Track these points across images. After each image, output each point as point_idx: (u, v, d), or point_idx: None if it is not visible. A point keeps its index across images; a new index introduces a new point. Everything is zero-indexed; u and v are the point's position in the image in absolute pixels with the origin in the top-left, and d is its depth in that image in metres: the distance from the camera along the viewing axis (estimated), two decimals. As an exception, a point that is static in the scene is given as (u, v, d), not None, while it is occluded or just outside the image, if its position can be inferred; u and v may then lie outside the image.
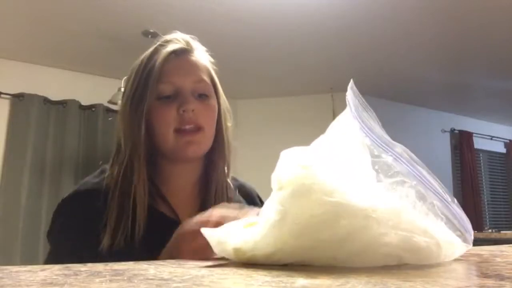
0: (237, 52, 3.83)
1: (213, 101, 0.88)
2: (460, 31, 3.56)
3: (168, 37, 0.90)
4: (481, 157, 6.19)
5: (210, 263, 0.45)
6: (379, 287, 0.28)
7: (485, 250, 0.55)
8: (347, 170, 0.44)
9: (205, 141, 0.86)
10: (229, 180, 0.93)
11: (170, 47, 0.86)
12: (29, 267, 0.39)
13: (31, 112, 3.82)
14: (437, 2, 3.09)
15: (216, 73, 0.93)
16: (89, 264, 0.42)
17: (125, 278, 0.33)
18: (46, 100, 3.93)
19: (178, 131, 0.83)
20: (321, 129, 0.48)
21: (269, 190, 0.45)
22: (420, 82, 4.72)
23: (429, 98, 5.24)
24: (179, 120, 0.83)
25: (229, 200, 0.88)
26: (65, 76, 4.11)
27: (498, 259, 0.47)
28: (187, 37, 0.91)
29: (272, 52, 3.87)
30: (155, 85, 0.83)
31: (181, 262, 0.46)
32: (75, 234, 0.79)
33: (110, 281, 0.31)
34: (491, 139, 6.19)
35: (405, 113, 5.31)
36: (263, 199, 0.99)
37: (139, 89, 0.85)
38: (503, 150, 6.39)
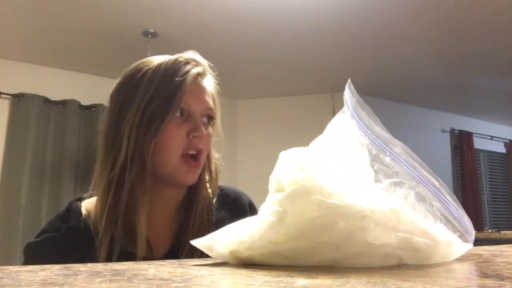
0: (237, 52, 3.83)
1: (211, 128, 0.88)
2: (460, 31, 3.56)
3: (191, 55, 0.86)
4: (481, 157, 6.19)
5: (210, 262, 0.45)
6: (379, 287, 0.28)
7: (485, 250, 0.55)
8: (346, 171, 0.44)
9: (200, 169, 0.85)
10: (214, 200, 0.90)
11: (197, 69, 0.84)
12: (29, 267, 0.39)
13: (31, 112, 3.82)
14: (438, 3, 3.09)
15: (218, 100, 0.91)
16: (89, 264, 0.42)
17: (125, 278, 0.33)
18: (46, 100, 3.93)
19: (183, 156, 0.81)
20: (321, 129, 0.48)
21: (268, 190, 0.45)
22: (420, 82, 4.72)
23: (429, 98, 5.24)
24: (187, 144, 0.81)
25: (210, 222, 0.85)
26: (65, 76, 4.11)
27: (498, 259, 0.46)
28: (205, 61, 0.89)
29: (272, 52, 3.87)
30: (179, 102, 0.79)
31: (181, 262, 0.46)
32: None
33: (110, 281, 0.31)
34: (491, 139, 6.19)
35: (405, 113, 5.31)
36: (262, 200, 0.96)
37: (157, 101, 0.79)
38: (503, 150, 6.39)
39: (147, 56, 0.90)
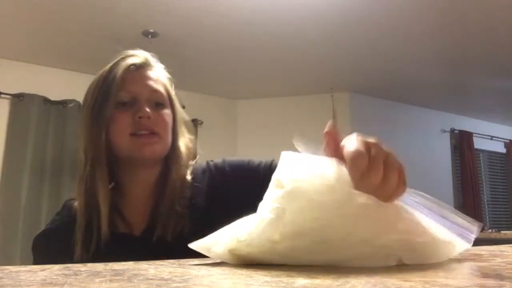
0: (237, 52, 3.83)
1: (168, 111, 0.93)
2: (460, 31, 3.56)
3: (129, 52, 0.95)
4: (481, 157, 6.19)
5: (209, 262, 0.45)
6: (379, 287, 0.28)
7: (485, 250, 0.55)
8: (346, 171, 0.44)
9: (161, 145, 0.89)
10: (188, 177, 0.94)
11: (131, 60, 0.92)
12: (29, 267, 0.39)
13: (31, 112, 3.82)
14: (438, 3, 3.09)
15: (172, 88, 0.97)
16: (89, 264, 0.42)
17: (125, 278, 0.33)
18: (46, 100, 3.94)
19: (134, 135, 0.87)
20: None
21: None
22: (420, 82, 4.72)
23: (429, 98, 5.24)
24: (135, 125, 0.87)
25: (184, 199, 0.90)
26: (65, 76, 4.11)
27: (498, 259, 0.46)
28: (147, 54, 0.96)
29: (273, 52, 3.87)
30: (116, 94, 0.88)
31: (181, 262, 0.46)
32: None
33: (110, 281, 0.31)
34: (491, 139, 6.19)
35: (405, 113, 5.31)
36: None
37: (100, 98, 0.89)
38: (503, 150, 6.39)
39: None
